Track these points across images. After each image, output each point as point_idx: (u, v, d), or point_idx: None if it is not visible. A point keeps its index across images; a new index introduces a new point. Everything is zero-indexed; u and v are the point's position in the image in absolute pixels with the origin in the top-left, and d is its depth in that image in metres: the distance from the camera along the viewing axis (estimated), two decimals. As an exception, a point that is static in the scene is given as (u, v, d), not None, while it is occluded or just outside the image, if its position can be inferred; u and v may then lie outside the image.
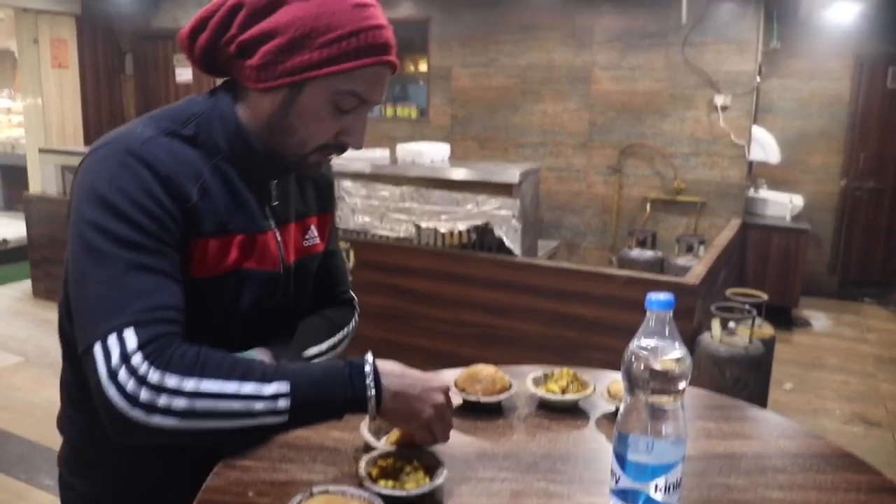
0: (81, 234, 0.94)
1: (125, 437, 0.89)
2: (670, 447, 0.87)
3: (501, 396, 1.24)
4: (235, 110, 1.07)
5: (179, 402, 0.88)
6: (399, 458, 1.01)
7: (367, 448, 1.05)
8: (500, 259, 3.64)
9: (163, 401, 0.88)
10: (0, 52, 9.80)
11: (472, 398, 1.24)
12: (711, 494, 1.00)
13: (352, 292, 1.36)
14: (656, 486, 0.87)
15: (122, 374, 0.88)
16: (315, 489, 0.91)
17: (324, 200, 1.26)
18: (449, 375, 1.30)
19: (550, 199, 5.98)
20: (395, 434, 1.06)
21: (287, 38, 0.99)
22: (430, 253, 3.84)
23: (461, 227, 3.72)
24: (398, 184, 3.89)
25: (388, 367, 1.02)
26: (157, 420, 0.88)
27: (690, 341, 3.22)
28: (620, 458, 0.89)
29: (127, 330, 0.89)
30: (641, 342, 0.88)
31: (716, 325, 3.21)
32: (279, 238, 1.13)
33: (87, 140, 6.74)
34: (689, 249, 5.24)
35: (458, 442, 1.12)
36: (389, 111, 6.51)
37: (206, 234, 1.02)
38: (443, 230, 3.77)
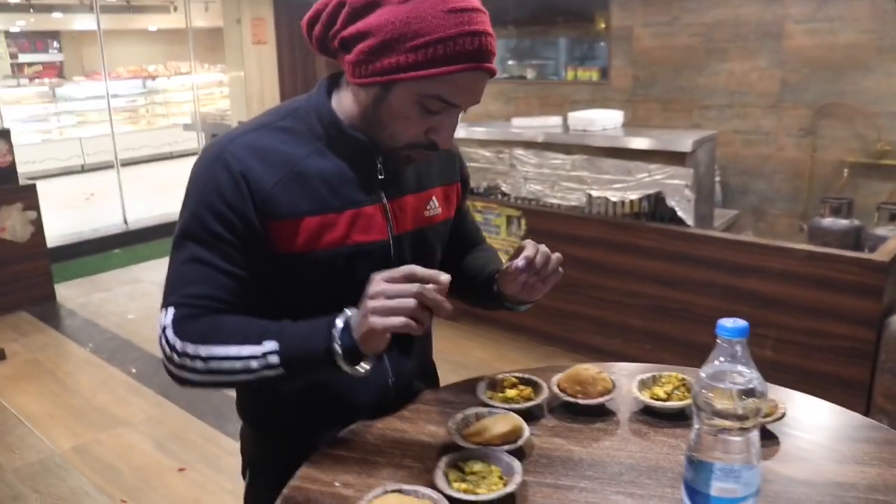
0: (176, 225, 1.16)
1: (175, 382, 1.13)
2: (740, 481, 0.86)
3: (601, 399, 1.24)
4: (332, 101, 1.19)
5: (196, 364, 1.09)
6: (478, 460, 1.06)
7: (455, 446, 1.10)
8: (672, 230, 3.56)
9: (185, 362, 1.10)
10: (213, 31, 10.77)
11: (570, 399, 1.26)
12: None
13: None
14: None
15: (163, 340, 1.11)
16: (389, 487, 1.00)
17: (448, 171, 1.35)
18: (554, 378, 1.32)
19: (737, 163, 5.69)
20: (478, 433, 1.11)
21: (379, 39, 1.06)
22: (600, 222, 3.84)
23: (633, 196, 3.67)
24: (569, 152, 3.90)
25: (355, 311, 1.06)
26: (183, 374, 1.11)
27: (878, 324, 3.01)
28: (687, 486, 0.90)
29: (170, 308, 1.12)
30: (709, 371, 0.87)
31: (911, 305, 2.96)
32: (388, 209, 1.22)
33: (285, 111, 7.29)
34: (892, 219, 4.80)
35: (547, 443, 1.16)
36: (570, 74, 6.43)
37: (302, 213, 1.14)
38: (614, 199, 3.75)
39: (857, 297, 3.05)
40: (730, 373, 0.86)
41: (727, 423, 0.85)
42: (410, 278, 1.02)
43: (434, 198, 1.31)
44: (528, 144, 4.08)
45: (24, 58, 14.06)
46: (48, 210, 5.58)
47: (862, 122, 5.16)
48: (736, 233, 4.67)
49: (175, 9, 12.66)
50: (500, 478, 1.04)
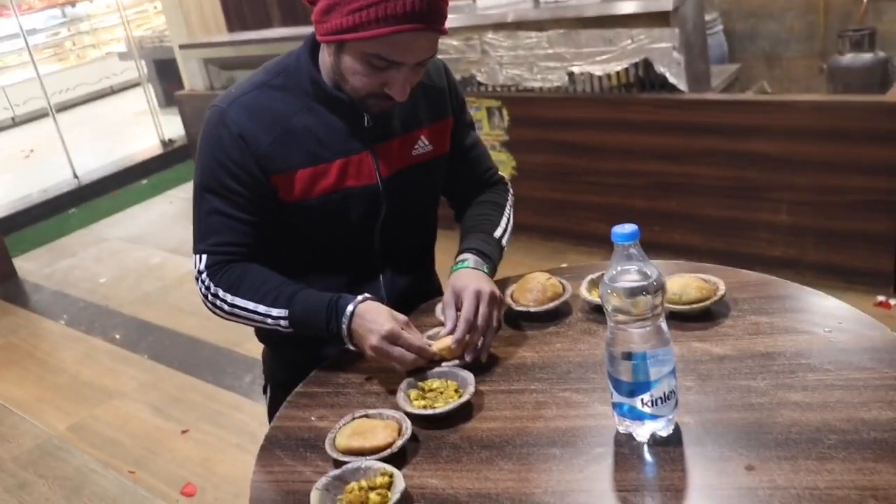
0: (193, 174, 1.54)
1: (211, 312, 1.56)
2: (650, 365, 1.10)
3: (550, 305, 1.50)
4: (313, 60, 1.47)
5: (224, 305, 1.51)
6: (435, 378, 1.34)
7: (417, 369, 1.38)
8: (664, 98, 3.74)
9: (216, 302, 1.52)
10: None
11: (522, 309, 1.51)
12: (728, 398, 1.20)
13: (499, 172, 1.78)
14: (642, 401, 1.12)
15: (199, 282, 1.53)
16: (357, 413, 1.28)
17: (437, 109, 1.62)
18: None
19: (741, 5, 5.76)
20: (442, 343, 1.38)
21: (325, 2, 1.32)
22: (587, 100, 4.02)
23: (618, 67, 3.84)
24: (543, 29, 4.04)
25: (364, 309, 1.39)
26: (215, 310, 1.54)
27: None
28: (609, 376, 1.15)
29: (203, 255, 1.52)
30: (610, 275, 1.10)
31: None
32: (375, 154, 1.51)
33: (229, 23, 7.31)
34: (919, 44, 4.92)
35: (503, 353, 1.43)
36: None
37: (295, 167, 1.47)
38: (598, 73, 3.92)
39: (873, 145, 3.22)
40: (626, 274, 1.10)
41: (627, 317, 1.10)
42: (408, 348, 1.35)
43: (422, 137, 1.59)
44: (498, 26, 4.21)
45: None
46: (-14, 178, 5.81)
47: (875, -63, 5.19)
48: (744, 87, 4.83)
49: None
50: (456, 391, 1.31)
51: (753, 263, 3.64)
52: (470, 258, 1.54)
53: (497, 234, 1.64)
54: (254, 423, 3.27)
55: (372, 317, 1.38)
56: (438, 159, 1.64)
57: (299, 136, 1.47)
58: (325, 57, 1.45)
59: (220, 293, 1.50)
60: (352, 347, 1.42)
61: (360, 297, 1.42)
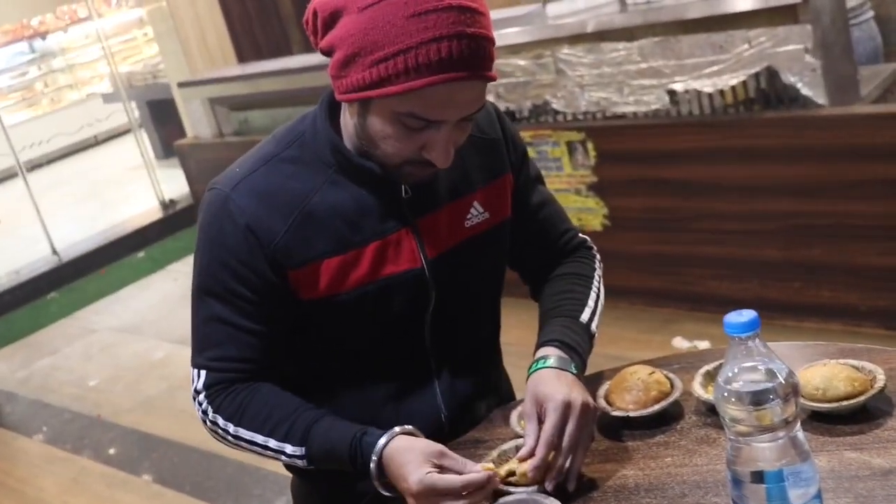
0: (192, 273, 1.59)
1: None
2: (788, 487, 1.10)
3: (655, 408, 1.51)
4: (333, 122, 1.52)
5: (227, 437, 1.56)
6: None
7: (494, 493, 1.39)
8: (797, 116, 3.73)
9: (217, 430, 1.57)
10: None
11: (620, 414, 1.52)
12: None
13: (580, 234, 1.82)
14: None
15: (195, 402, 1.59)
16: None
17: (491, 166, 1.66)
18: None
19: (892, -14, 5.74)
20: (519, 466, 1.40)
21: (342, 53, 1.37)
22: (695, 125, 4.03)
23: (733, 80, 3.84)
24: (634, 38, 4.08)
25: (393, 451, 1.41)
26: (216, 438, 1.59)
27: None
28: (734, 501, 1.14)
29: (202, 371, 1.58)
30: (726, 376, 1.11)
31: None
32: (418, 231, 1.55)
33: (239, 52, 7.51)
34: None
35: (597, 472, 1.43)
36: None
37: (319, 256, 1.51)
38: (708, 90, 3.93)
39: None
40: (745, 374, 1.11)
41: (750, 429, 1.10)
42: (457, 495, 1.34)
43: (475, 203, 1.62)
44: (576, 38, 4.26)
45: None
46: (-55, 260, 6.04)
47: None
48: (903, 94, 4.78)
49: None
50: None
51: (932, 327, 3.59)
52: (552, 355, 1.54)
53: (584, 318, 1.65)
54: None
55: (400, 463, 1.40)
56: (498, 228, 1.67)
57: (322, 218, 1.51)
58: (348, 118, 1.49)
59: (220, 422, 1.55)
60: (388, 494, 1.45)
61: (383, 440, 1.43)
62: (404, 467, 1.37)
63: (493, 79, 1.38)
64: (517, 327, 2.10)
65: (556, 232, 1.79)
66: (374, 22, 1.32)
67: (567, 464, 1.41)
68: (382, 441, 1.42)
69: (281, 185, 1.51)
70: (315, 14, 1.40)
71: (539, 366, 1.53)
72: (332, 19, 1.37)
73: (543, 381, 1.47)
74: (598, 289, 1.73)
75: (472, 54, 1.32)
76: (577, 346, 1.58)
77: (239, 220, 1.49)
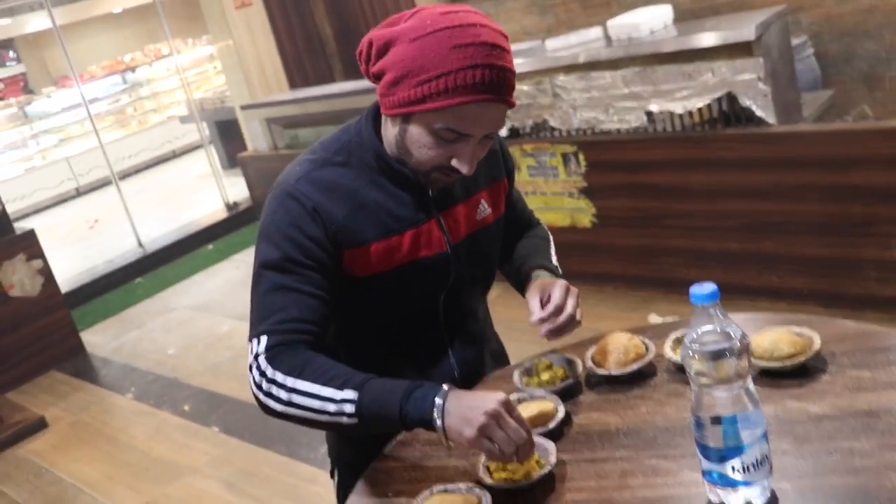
0: (254, 261, 1.55)
1: (261, 409, 1.47)
2: (740, 429, 1.11)
3: (633, 367, 1.54)
4: (376, 133, 1.56)
5: (281, 393, 1.43)
6: None
7: None
8: (752, 133, 3.73)
9: (272, 389, 1.43)
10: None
11: (604, 372, 1.55)
12: (828, 462, 1.20)
13: (535, 216, 1.95)
14: (733, 468, 1.13)
15: (254, 368, 1.46)
16: (435, 489, 1.32)
17: (492, 171, 1.72)
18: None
19: (832, 26, 5.71)
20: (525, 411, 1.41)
21: (393, 75, 1.41)
22: (669, 140, 4.03)
23: (699, 103, 3.85)
24: (617, 67, 4.09)
25: (456, 392, 1.35)
26: (269, 402, 1.44)
27: None
28: (697, 442, 1.16)
29: (263, 336, 1.46)
30: (691, 337, 1.13)
31: None
32: (443, 223, 1.60)
33: (290, 80, 7.59)
34: None
35: (585, 419, 1.46)
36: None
37: (368, 241, 1.53)
38: (679, 111, 3.93)
39: None
40: (707, 336, 1.13)
41: (711, 380, 1.12)
42: (525, 427, 1.31)
43: (482, 201, 1.69)
44: (569, 68, 4.28)
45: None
46: (51, 250, 6.10)
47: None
48: (842, 113, 4.78)
49: (137, -20, 13.08)
50: (538, 461, 1.34)
51: (864, 305, 3.59)
52: (545, 272, 1.69)
53: (554, 261, 1.78)
54: (331, 497, 3.27)
55: (474, 395, 1.35)
56: (497, 222, 1.73)
57: (370, 209, 1.54)
58: (389, 131, 1.53)
59: (279, 377, 1.42)
60: (438, 423, 1.33)
61: (447, 386, 1.37)
62: (481, 397, 1.33)
63: (513, 105, 1.44)
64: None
65: (525, 218, 1.92)
66: (422, 50, 1.38)
67: (566, 323, 1.52)
68: (447, 386, 1.36)
69: (335, 181, 1.54)
70: (370, 44, 1.45)
71: (538, 275, 1.68)
72: (386, 48, 1.43)
73: (546, 280, 1.63)
74: (553, 246, 1.86)
75: (499, 82, 1.38)
76: (557, 271, 1.73)
77: (306, 203, 1.50)
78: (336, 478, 1.82)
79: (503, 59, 1.39)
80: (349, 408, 1.38)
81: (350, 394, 1.38)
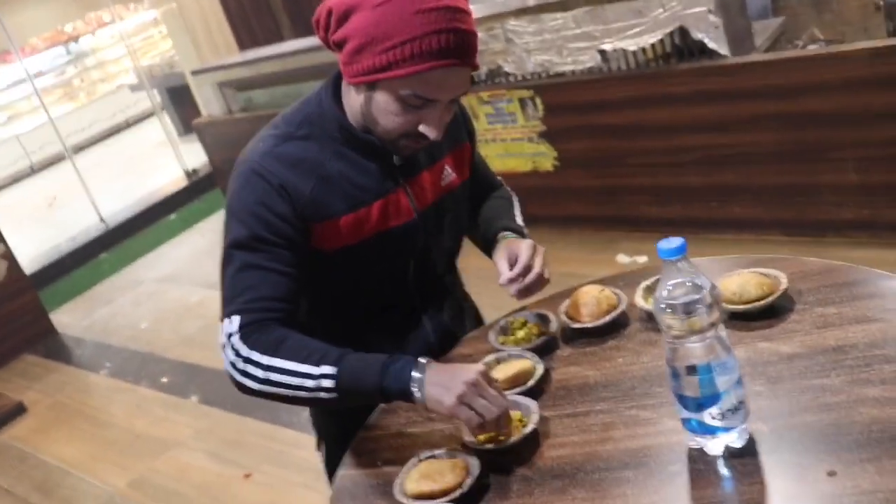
0: (222, 240, 1.51)
1: (236, 388, 1.46)
2: (715, 376, 1.14)
3: (606, 319, 1.55)
4: (338, 104, 1.52)
5: (258, 371, 1.41)
6: None
7: None
8: (705, 66, 3.74)
9: (248, 368, 1.42)
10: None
11: (578, 326, 1.56)
12: (801, 400, 1.23)
13: (498, 178, 1.95)
14: (711, 415, 1.16)
15: (227, 348, 1.44)
16: (422, 455, 1.33)
17: (455, 135, 1.70)
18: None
19: (778, -52, 5.70)
20: (499, 373, 1.43)
21: (356, 43, 1.38)
22: (624, 79, 4.03)
23: (652, 39, 3.84)
24: (567, 8, 4.06)
25: (434, 365, 1.37)
26: (245, 382, 1.43)
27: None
28: (673, 392, 1.19)
29: (235, 316, 1.44)
30: (661, 293, 1.15)
31: None
32: (409, 190, 1.59)
33: (238, 40, 7.44)
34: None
35: (563, 374, 1.48)
36: None
37: (337, 214, 1.51)
38: (632, 48, 3.93)
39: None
40: (677, 289, 1.14)
41: (683, 332, 1.14)
42: (502, 394, 1.34)
43: (446, 166, 1.67)
44: (520, 12, 4.24)
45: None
46: (11, 233, 5.99)
47: None
48: (793, 39, 4.78)
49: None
50: (521, 420, 1.36)
51: (824, 229, 3.65)
52: (511, 233, 1.70)
53: (519, 221, 1.78)
54: (316, 460, 3.32)
55: (454, 366, 1.40)
56: (463, 186, 1.72)
57: (336, 182, 1.52)
58: (352, 100, 1.50)
59: (255, 356, 1.41)
60: (416, 393, 1.34)
61: (424, 359, 1.38)
62: (460, 368, 1.36)
63: (477, 67, 1.43)
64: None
65: (488, 180, 1.90)
66: (385, 16, 1.35)
67: (535, 281, 1.55)
68: (424, 359, 1.37)
69: (300, 155, 1.51)
70: (330, 12, 1.41)
71: (504, 237, 1.69)
72: (346, 15, 1.39)
73: (512, 241, 1.65)
74: (517, 206, 1.86)
75: (464, 46, 1.37)
76: (523, 232, 1.74)
77: (273, 180, 1.47)
78: (323, 450, 1.82)
79: (466, 21, 1.38)
80: (328, 382, 1.39)
81: (328, 369, 1.38)
